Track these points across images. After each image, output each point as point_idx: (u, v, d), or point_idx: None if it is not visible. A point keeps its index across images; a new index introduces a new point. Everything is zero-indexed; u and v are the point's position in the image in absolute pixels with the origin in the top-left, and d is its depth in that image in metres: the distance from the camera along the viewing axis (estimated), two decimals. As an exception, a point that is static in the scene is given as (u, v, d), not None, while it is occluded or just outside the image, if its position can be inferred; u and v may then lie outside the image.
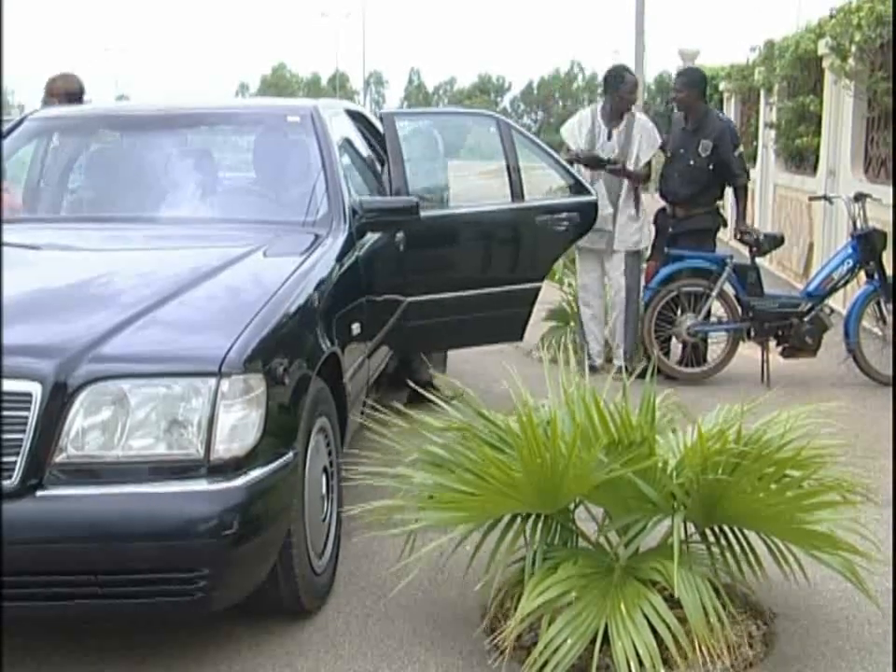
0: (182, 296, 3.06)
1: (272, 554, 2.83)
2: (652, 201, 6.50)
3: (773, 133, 11.11)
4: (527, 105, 78.35)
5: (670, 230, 6.27)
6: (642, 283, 6.27)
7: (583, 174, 5.84)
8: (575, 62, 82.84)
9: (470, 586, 3.09)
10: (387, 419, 3.25)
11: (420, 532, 3.03)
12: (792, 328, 6.01)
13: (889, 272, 6.04)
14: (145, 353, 2.74)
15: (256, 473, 2.69)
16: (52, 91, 5.66)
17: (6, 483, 2.54)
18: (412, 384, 4.05)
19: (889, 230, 6.32)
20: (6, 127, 4.61)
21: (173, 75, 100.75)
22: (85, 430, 2.60)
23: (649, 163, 6.27)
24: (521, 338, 5.33)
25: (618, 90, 6.14)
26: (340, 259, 3.80)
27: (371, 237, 4.25)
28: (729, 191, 7.14)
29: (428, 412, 3.36)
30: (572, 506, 3.08)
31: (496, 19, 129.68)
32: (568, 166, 5.48)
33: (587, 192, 5.33)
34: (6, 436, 2.55)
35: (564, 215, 5.16)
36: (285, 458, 2.82)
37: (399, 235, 4.59)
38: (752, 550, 2.99)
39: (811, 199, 7.47)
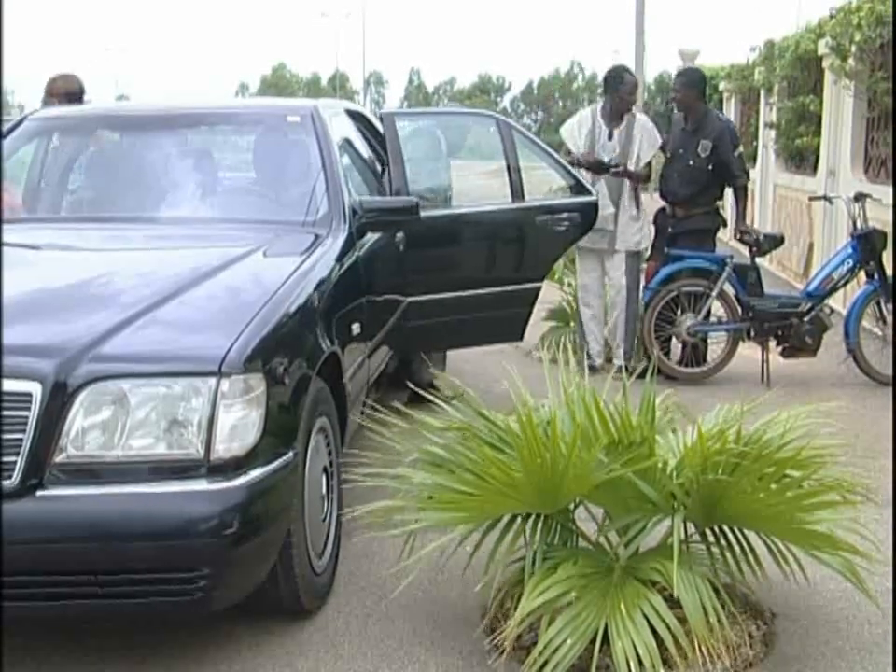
0: (182, 296, 3.06)
1: (272, 554, 2.83)
2: (651, 201, 6.50)
3: (773, 133, 11.11)
4: (527, 104, 78.38)
5: (670, 230, 6.27)
6: (642, 283, 6.28)
7: (584, 174, 5.84)
8: (575, 62, 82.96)
9: (470, 586, 3.09)
10: (387, 419, 3.25)
11: (420, 532, 3.03)
12: (792, 328, 6.01)
13: (889, 272, 6.04)
14: (145, 353, 2.74)
15: (256, 473, 2.69)
16: (52, 91, 5.66)
17: (6, 482, 2.54)
18: (412, 385, 4.06)
19: (888, 230, 6.32)
20: (6, 127, 4.61)
21: (173, 75, 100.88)
22: (85, 430, 2.60)
23: (649, 164, 6.27)
24: (521, 338, 5.33)
25: (618, 90, 6.15)
26: (340, 258, 3.80)
27: (371, 237, 4.25)
28: (729, 191, 7.14)
29: (428, 412, 3.36)
30: (572, 506, 3.08)
31: (496, 19, 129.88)
32: (569, 166, 5.48)
33: (587, 192, 5.34)
34: (6, 436, 2.55)
35: (564, 215, 5.16)
36: (285, 458, 2.82)
37: (399, 235, 4.59)
38: (752, 550, 2.99)
39: (811, 199, 7.47)
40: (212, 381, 2.65)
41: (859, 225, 6.13)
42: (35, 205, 4.57)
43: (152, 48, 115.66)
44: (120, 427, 2.61)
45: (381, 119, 4.97)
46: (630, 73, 6.36)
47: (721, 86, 14.99)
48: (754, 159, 12.35)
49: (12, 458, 2.55)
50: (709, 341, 6.31)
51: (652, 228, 6.39)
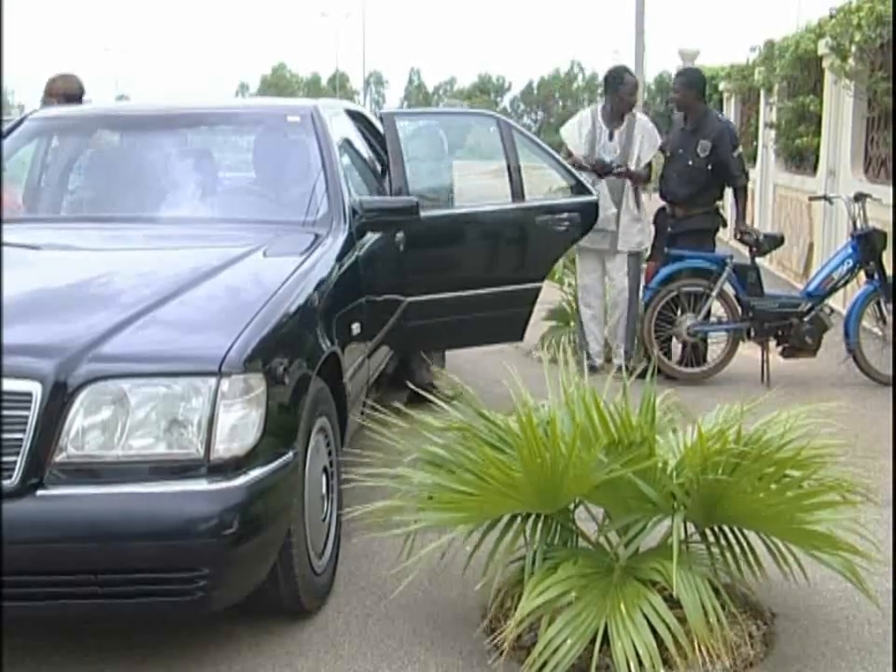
0: (182, 296, 3.06)
1: (272, 554, 2.83)
2: (650, 201, 6.50)
3: (773, 132, 11.11)
4: (527, 104, 78.30)
5: (669, 230, 6.27)
6: (642, 283, 6.28)
7: (585, 175, 5.83)
8: (575, 62, 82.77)
9: (470, 586, 3.09)
10: (387, 419, 3.25)
11: (420, 532, 3.03)
12: (792, 328, 6.01)
13: (889, 272, 6.04)
14: (145, 352, 2.74)
15: (256, 473, 2.69)
16: (51, 91, 5.66)
17: (6, 482, 2.54)
18: (412, 385, 4.06)
19: (888, 230, 6.32)
20: (6, 127, 4.61)
21: (173, 75, 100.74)
22: (85, 430, 2.60)
23: (649, 164, 6.28)
24: (521, 338, 5.33)
25: (618, 91, 6.15)
26: (340, 258, 3.80)
27: (371, 237, 4.25)
28: (729, 192, 7.15)
29: (428, 412, 3.36)
30: (572, 506, 3.08)
31: (496, 19, 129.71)
32: (569, 166, 5.48)
33: (588, 192, 5.33)
34: (6, 435, 2.55)
35: (565, 215, 5.16)
36: (285, 458, 2.82)
37: (399, 235, 4.59)
38: (752, 550, 2.99)
39: (811, 199, 7.47)
40: (212, 381, 2.65)
41: (859, 225, 6.14)
42: (35, 205, 4.57)
43: (152, 48, 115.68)
44: (120, 427, 2.61)
45: (381, 119, 4.97)
46: (630, 73, 6.36)
47: (721, 86, 14.99)
48: (754, 159, 12.35)
49: (12, 458, 2.55)
50: (709, 341, 6.31)
51: (652, 228, 6.39)
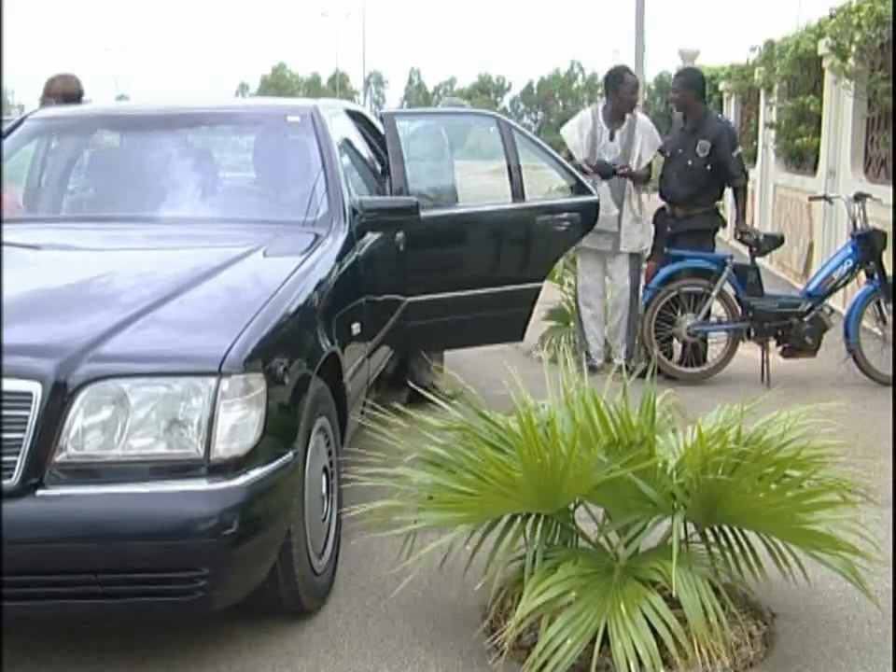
0: (182, 296, 3.06)
1: (272, 554, 2.83)
2: (650, 201, 6.50)
3: (773, 132, 11.11)
4: (527, 104, 78.33)
5: (669, 229, 6.27)
6: (642, 283, 6.28)
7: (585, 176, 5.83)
8: (575, 62, 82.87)
9: (470, 586, 3.09)
10: (387, 419, 3.25)
11: (420, 532, 3.03)
12: (792, 328, 6.01)
13: (889, 272, 6.04)
14: (145, 352, 2.74)
15: (256, 473, 2.69)
16: (50, 91, 5.66)
17: (6, 482, 2.54)
18: (412, 385, 4.05)
19: (889, 230, 6.32)
20: (6, 127, 4.61)
21: (173, 75, 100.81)
22: (85, 430, 2.60)
23: (649, 164, 6.28)
24: (521, 338, 5.33)
25: (618, 90, 6.14)
26: (340, 258, 3.80)
27: (371, 237, 4.25)
28: (729, 192, 7.15)
29: (428, 412, 3.36)
30: (572, 506, 3.08)
31: (496, 19, 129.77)
32: (569, 166, 5.48)
33: (588, 192, 5.33)
34: (6, 435, 2.55)
35: (565, 215, 5.16)
36: (285, 458, 2.82)
37: (399, 235, 4.59)
38: (752, 550, 2.99)
39: (811, 199, 7.47)
40: (212, 381, 2.65)
41: (859, 225, 6.13)
42: (35, 205, 4.57)
43: (152, 48, 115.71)
44: (120, 427, 2.61)
45: (381, 119, 4.97)
46: (630, 73, 6.36)
47: (721, 86, 14.99)
48: (754, 159, 12.35)
49: (12, 458, 2.55)
50: (709, 341, 6.31)
51: (652, 228, 6.39)
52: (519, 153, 5.05)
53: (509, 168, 5.02)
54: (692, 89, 6.25)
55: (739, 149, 6.37)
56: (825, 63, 8.99)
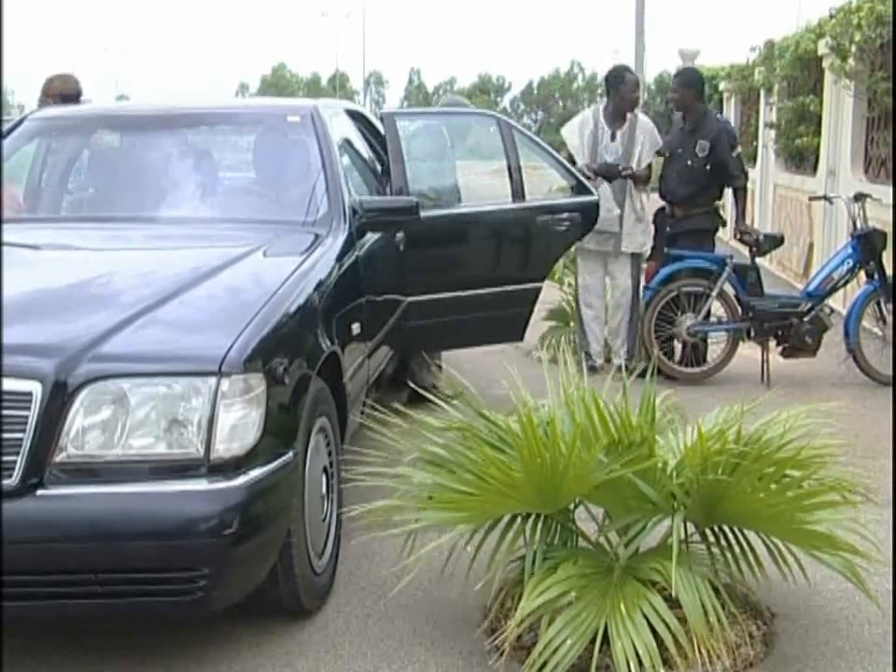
0: (182, 295, 3.06)
1: (272, 554, 2.83)
2: (649, 201, 6.50)
3: (773, 132, 11.11)
4: (527, 104, 78.29)
5: (668, 229, 6.27)
6: (642, 283, 6.28)
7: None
8: (575, 62, 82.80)
9: (471, 586, 3.09)
10: (387, 419, 3.25)
11: (420, 532, 3.03)
12: (792, 328, 6.01)
13: (889, 272, 6.04)
14: (145, 352, 2.74)
15: (256, 473, 2.69)
16: (49, 91, 5.66)
17: (6, 482, 2.54)
18: (412, 385, 4.06)
19: (888, 230, 6.32)
20: (6, 127, 4.61)
21: (173, 75, 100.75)
22: (85, 430, 2.60)
23: (649, 164, 6.28)
24: (521, 338, 5.33)
25: (619, 90, 6.14)
26: (340, 258, 3.80)
27: (371, 237, 4.25)
28: (729, 191, 7.16)
29: (428, 412, 3.36)
30: (572, 506, 3.08)
31: (496, 19, 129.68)
32: (570, 166, 5.48)
33: (588, 192, 5.33)
34: (6, 435, 2.55)
35: (565, 215, 5.16)
36: (285, 458, 2.82)
37: (399, 235, 4.59)
38: (752, 550, 2.99)
39: (811, 199, 7.47)
40: (212, 380, 2.65)
41: (859, 225, 6.14)
42: (35, 205, 4.58)
43: (152, 48, 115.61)
44: (120, 427, 2.61)
45: (381, 119, 4.97)
46: (631, 72, 6.35)
47: (721, 86, 14.99)
48: (754, 159, 12.35)
49: (12, 458, 2.55)
50: (709, 341, 6.31)
51: (652, 228, 6.39)
52: (519, 153, 5.05)
53: (509, 168, 5.02)
54: (691, 89, 6.25)
55: (738, 149, 6.37)
56: (825, 63, 8.99)
